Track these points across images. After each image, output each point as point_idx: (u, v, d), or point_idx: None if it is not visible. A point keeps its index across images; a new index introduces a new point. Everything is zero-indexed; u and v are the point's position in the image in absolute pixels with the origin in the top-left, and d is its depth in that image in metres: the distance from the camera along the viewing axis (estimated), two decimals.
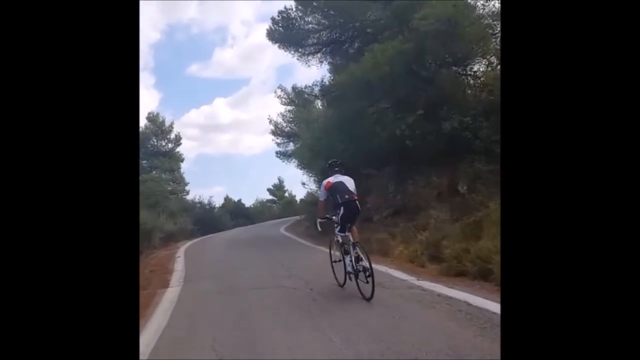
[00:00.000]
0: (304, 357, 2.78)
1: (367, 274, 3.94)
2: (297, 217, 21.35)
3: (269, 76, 56.13)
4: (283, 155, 25.64)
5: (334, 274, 4.80)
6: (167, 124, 25.53)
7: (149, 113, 25.49)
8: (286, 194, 43.54)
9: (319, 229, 4.74)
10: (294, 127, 24.51)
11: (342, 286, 4.59)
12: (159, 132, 25.12)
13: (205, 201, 24.95)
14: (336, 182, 4.39)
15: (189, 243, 14.64)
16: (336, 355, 2.74)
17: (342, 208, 4.28)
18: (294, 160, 25.81)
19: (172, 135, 25.21)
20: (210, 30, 56.55)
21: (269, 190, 41.76)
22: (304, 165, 22.31)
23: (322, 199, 4.56)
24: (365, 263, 4.00)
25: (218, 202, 32.99)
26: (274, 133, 25.13)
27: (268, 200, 41.11)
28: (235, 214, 30.66)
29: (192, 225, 20.21)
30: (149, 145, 24.52)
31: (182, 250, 11.82)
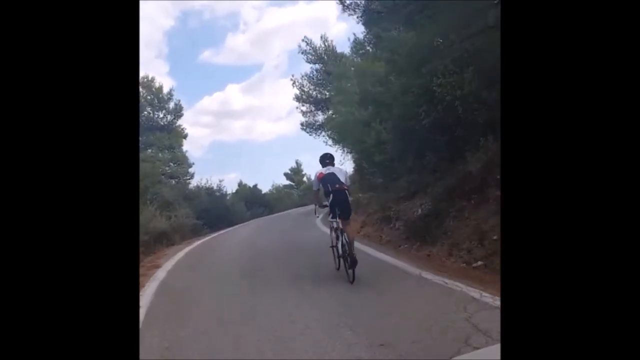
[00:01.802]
0: None
1: (351, 260, 4.25)
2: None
3: (281, 61, 52.86)
4: (310, 127, 20.35)
5: (334, 258, 5.00)
6: (165, 90, 20.26)
7: (143, 77, 20.28)
8: (304, 179, 38.84)
9: (317, 215, 5.94)
10: (324, 92, 19.20)
11: (338, 269, 4.86)
12: (155, 100, 19.97)
13: (214, 186, 19.82)
14: (328, 173, 4.73)
15: (180, 254, 8.82)
16: None
17: (331, 196, 4.61)
18: (323, 134, 20.51)
19: (172, 105, 19.96)
20: (221, 16, 53.30)
21: (285, 175, 37.45)
22: (339, 138, 17.17)
23: (315, 189, 5.04)
24: (349, 250, 4.35)
25: (231, 188, 28.24)
26: (298, 99, 19.83)
27: (285, 186, 36.39)
28: (251, 201, 25.65)
29: (197, 218, 15.12)
30: (143, 117, 19.39)
31: (157, 277, 6.05)
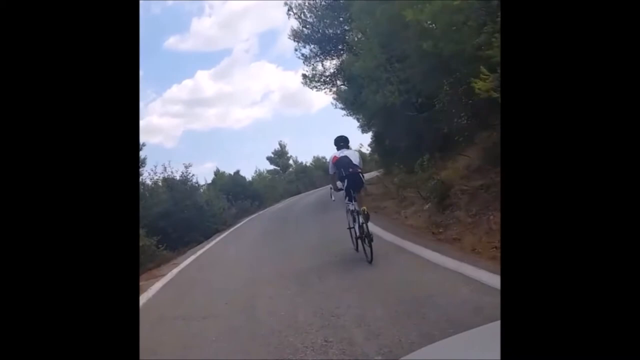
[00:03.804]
0: None
1: (369, 239, 4.26)
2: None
3: (251, 45, 55.96)
4: (317, 80, 13.79)
5: (351, 239, 4.90)
6: None
7: None
8: (290, 161, 34.02)
9: (333, 198, 5.06)
10: (336, 24, 12.67)
11: (357, 250, 4.78)
12: None
13: (178, 176, 12.95)
14: (342, 157, 4.65)
15: None
16: None
17: (346, 180, 4.60)
18: (334, 90, 13.95)
19: None
20: (185, 0, 53.08)
21: (269, 159, 33.04)
22: (360, 95, 11.10)
23: (331, 172, 4.87)
24: (366, 229, 4.30)
25: (207, 179, 21.82)
26: (296, 36, 13.19)
27: (270, 171, 30.86)
28: (234, 193, 19.15)
29: (147, 232, 8.56)
30: None
31: None
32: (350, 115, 20.72)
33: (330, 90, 13.80)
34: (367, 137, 26.36)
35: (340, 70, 12.99)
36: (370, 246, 4.24)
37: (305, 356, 2.53)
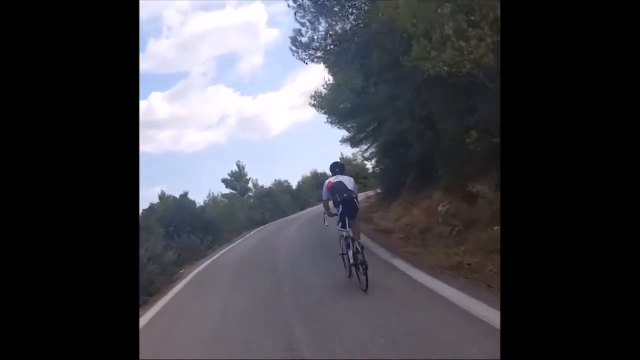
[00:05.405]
0: None
1: (364, 267, 4.22)
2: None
3: (209, 68, 55.60)
4: (314, 47, 8.49)
5: (345, 265, 4.93)
6: None
7: None
8: (250, 185, 29.92)
9: (327, 224, 5.04)
10: None
11: (350, 277, 4.76)
12: None
13: None
14: (336, 182, 4.68)
15: None
16: None
17: (341, 206, 4.59)
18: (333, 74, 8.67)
19: None
20: (143, 21, 48.68)
21: (224, 181, 29.00)
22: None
23: (324, 198, 4.91)
24: (362, 257, 4.28)
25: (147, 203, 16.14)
26: None
27: (225, 195, 26.38)
28: (178, 224, 13.26)
29: None
30: None
31: None
32: (335, 124, 15.68)
33: (335, 66, 8.53)
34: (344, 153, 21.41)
35: (355, 31, 7.85)
36: (366, 275, 4.16)
37: None
